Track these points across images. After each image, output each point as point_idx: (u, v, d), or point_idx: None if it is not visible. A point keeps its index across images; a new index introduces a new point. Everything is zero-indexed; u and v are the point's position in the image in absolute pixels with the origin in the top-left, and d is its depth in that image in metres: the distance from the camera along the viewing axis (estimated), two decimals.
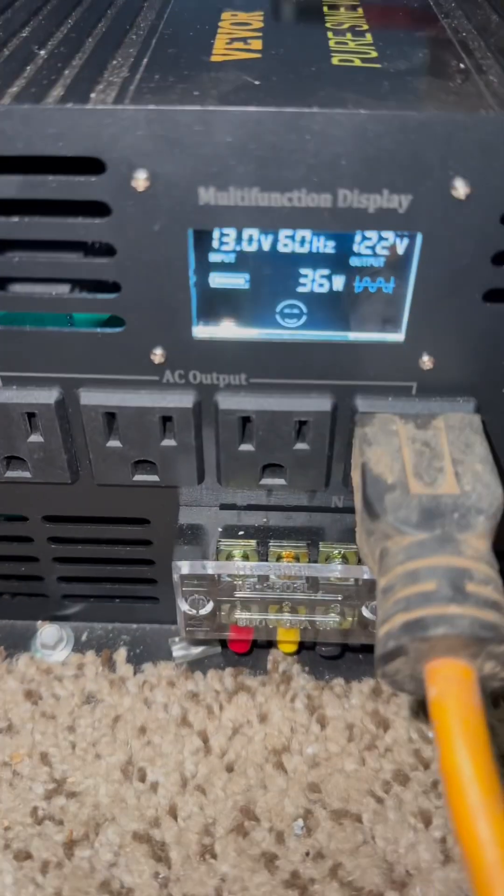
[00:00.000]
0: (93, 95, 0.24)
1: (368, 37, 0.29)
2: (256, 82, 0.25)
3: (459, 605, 0.22)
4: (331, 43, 0.29)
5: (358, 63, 0.27)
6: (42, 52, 0.28)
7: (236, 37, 0.29)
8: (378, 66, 0.26)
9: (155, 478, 0.32)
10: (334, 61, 0.27)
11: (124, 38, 0.29)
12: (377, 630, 0.24)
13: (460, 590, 0.23)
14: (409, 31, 0.30)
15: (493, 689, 0.24)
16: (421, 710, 0.36)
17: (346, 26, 0.30)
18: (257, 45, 0.28)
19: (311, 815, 0.33)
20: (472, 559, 0.24)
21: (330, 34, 0.29)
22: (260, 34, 0.29)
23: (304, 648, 0.39)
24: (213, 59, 0.27)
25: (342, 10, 0.32)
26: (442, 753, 0.22)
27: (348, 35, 0.29)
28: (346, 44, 0.28)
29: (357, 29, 0.30)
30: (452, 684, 0.22)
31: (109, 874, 0.31)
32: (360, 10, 0.32)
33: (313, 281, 0.27)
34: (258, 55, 0.27)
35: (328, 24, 0.30)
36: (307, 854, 0.32)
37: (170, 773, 0.34)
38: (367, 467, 0.26)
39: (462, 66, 0.27)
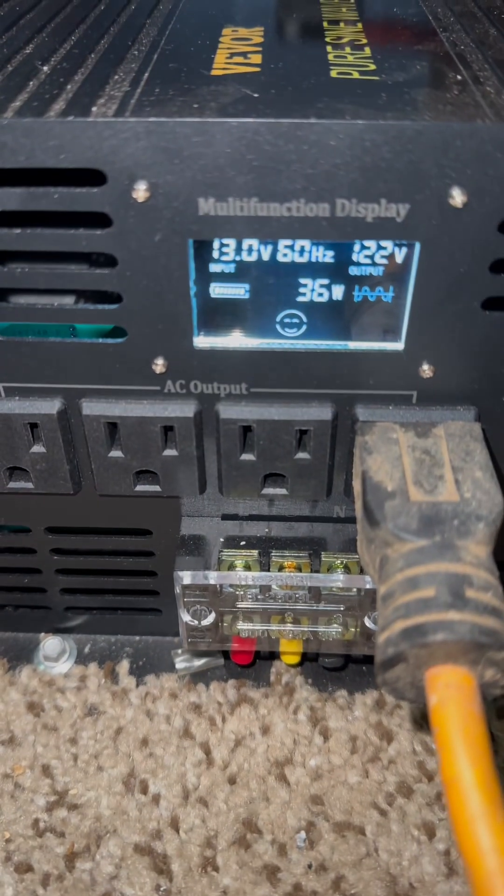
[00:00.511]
0: (94, 109, 0.24)
1: (367, 50, 0.30)
2: (255, 95, 0.25)
3: (459, 612, 0.22)
4: (330, 57, 0.29)
5: (356, 76, 0.27)
6: (45, 68, 0.28)
7: (236, 51, 0.29)
8: (376, 78, 0.27)
9: (157, 488, 0.32)
10: (333, 74, 0.27)
11: (126, 53, 0.29)
12: (377, 637, 0.24)
13: (460, 596, 0.23)
14: (407, 44, 0.30)
15: (494, 696, 0.24)
16: (424, 721, 0.36)
17: (345, 40, 0.31)
18: (257, 59, 0.29)
19: (313, 828, 0.33)
20: (471, 566, 0.23)
21: (329, 48, 0.30)
22: (260, 49, 0.30)
23: (307, 660, 0.39)
24: (214, 72, 0.27)
25: (342, 24, 0.32)
26: (442, 761, 0.22)
27: (347, 49, 0.30)
28: (345, 57, 0.29)
29: (356, 43, 0.30)
30: (453, 691, 0.22)
31: (111, 887, 0.31)
32: (359, 24, 0.32)
33: (313, 290, 0.27)
34: (258, 69, 0.28)
35: (328, 39, 0.31)
36: (309, 866, 0.32)
37: (172, 785, 0.34)
38: (367, 475, 0.27)
39: (459, 77, 0.27)
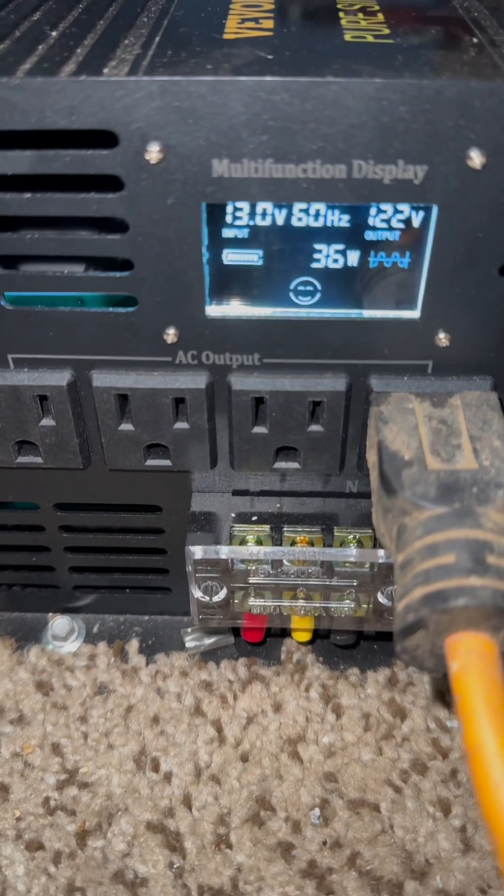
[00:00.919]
0: (106, 70, 0.24)
1: (380, 16, 0.29)
2: (270, 56, 0.25)
3: (480, 577, 0.22)
4: (343, 22, 0.28)
5: (371, 39, 0.27)
6: (53, 33, 0.28)
7: (248, 17, 0.29)
8: (391, 41, 0.26)
9: (167, 462, 0.31)
10: (347, 38, 0.27)
11: (135, 20, 0.29)
12: (395, 605, 0.23)
13: (481, 562, 0.22)
14: (421, 10, 0.30)
15: None
16: (438, 698, 0.35)
17: (357, 7, 0.30)
18: (269, 24, 0.28)
19: (327, 805, 0.32)
20: (492, 532, 0.23)
21: (341, 14, 0.29)
22: (271, 14, 0.29)
23: (319, 637, 0.39)
24: (226, 37, 0.27)
25: None
26: (465, 728, 0.21)
27: (360, 15, 0.29)
28: (358, 22, 0.28)
29: (369, 9, 0.30)
30: (474, 658, 0.22)
31: (123, 864, 0.31)
32: None
33: (327, 256, 0.27)
34: (270, 33, 0.27)
35: (339, 5, 0.30)
36: (324, 843, 0.31)
37: (184, 763, 0.34)
38: (383, 445, 0.26)
39: (475, 40, 0.26)
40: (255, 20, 0.29)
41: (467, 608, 0.22)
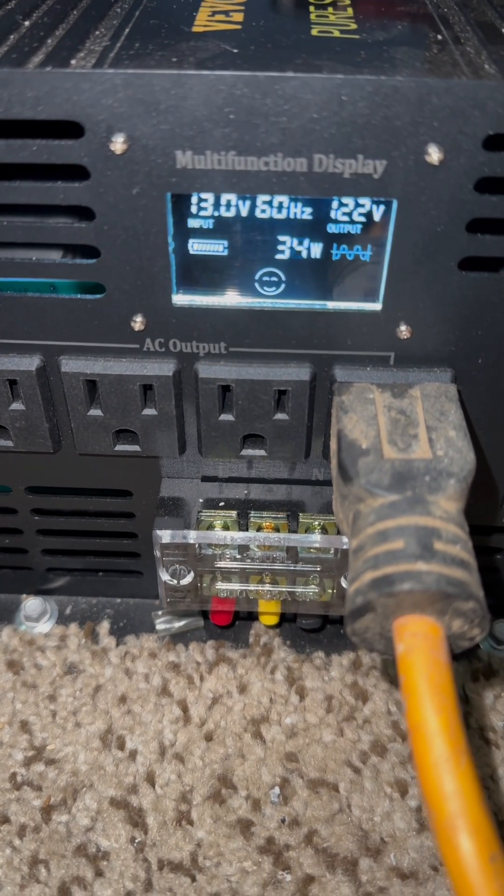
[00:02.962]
0: (73, 62, 0.24)
1: (350, 10, 0.30)
2: (235, 50, 0.25)
3: (426, 563, 0.23)
4: (312, 16, 0.29)
5: (337, 34, 0.27)
6: (26, 23, 0.28)
7: (219, 9, 0.29)
8: (357, 37, 0.27)
9: (136, 448, 0.32)
10: (314, 32, 0.27)
11: (108, 10, 0.29)
12: (347, 588, 0.24)
13: (428, 548, 0.23)
14: (391, 5, 0.30)
15: (463, 648, 0.24)
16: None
17: (328, 0, 0.31)
18: (239, 17, 0.28)
19: (287, 784, 0.33)
20: (441, 520, 0.24)
21: (312, 7, 0.30)
22: (242, 7, 0.30)
23: (286, 621, 0.39)
24: (195, 29, 0.27)
25: None
26: (408, 707, 0.22)
27: (330, 9, 0.30)
28: (327, 17, 0.29)
29: (339, 3, 0.30)
30: (419, 640, 0.22)
31: (86, 838, 0.32)
32: None
33: (291, 248, 0.27)
34: (238, 27, 0.27)
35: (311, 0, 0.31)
36: (283, 821, 0.32)
37: (149, 741, 0.34)
38: (342, 433, 0.27)
39: (440, 37, 0.27)
40: (226, 13, 0.29)
41: (413, 592, 0.22)
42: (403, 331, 0.28)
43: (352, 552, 0.25)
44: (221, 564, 0.33)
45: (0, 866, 0.31)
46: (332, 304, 0.28)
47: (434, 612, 0.23)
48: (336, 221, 0.26)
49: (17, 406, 0.31)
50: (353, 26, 0.28)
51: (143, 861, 0.31)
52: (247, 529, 0.33)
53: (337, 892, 0.30)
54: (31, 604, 0.39)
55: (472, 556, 0.24)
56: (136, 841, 0.32)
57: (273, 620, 0.37)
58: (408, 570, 0.22)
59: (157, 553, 0.32)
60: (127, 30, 0.27)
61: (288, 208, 0.26)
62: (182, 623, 0.39)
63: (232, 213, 0.26)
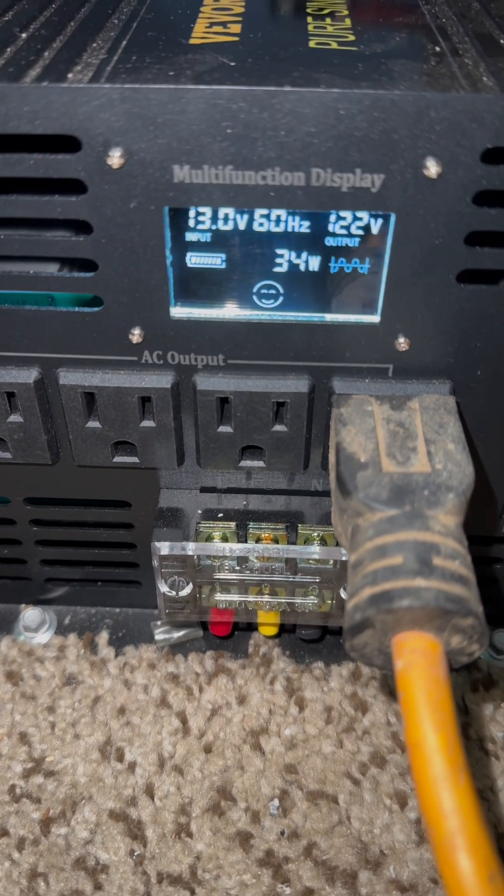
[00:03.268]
0: (70, 76, 0.24)
1: (347, 21, 0.29)
2: (232, 63, 0.25)
3: (425, 579, 0.22)
4: (310, 27, 0.29)
5: (335, 46, 0.27)
6: (23, 35, 0.28)
7: (216, 21, 0.29)
8: (354, 49, 0.27)
9: (135, 459, 0.32)
10: (311, 44, 0.27)
11: (106, 22, 0.29)
12: (346, 604, 0.24)
13: (427, 563, 0.23)
14: (389, 16, 0.30)
15: (462, 664, 0.24)
16: None
17: (326, 11, 0.30)
18: (236, 28, 0.28)
19: (287, 796, 0.33)
20: (440, 535, 0.24)
21: (309, 19, 0.30)
22: (240, 19, 0.29)
23: (285, 632, 0.39)
24: (192, 41, 0.27)
25: None
26: (407, 724, 0.22)
27: (328, 20, 0.30)
28: (325, 28, 0.29)
29: (337, 14, 0.30)
30: (418, 656, 0.22)
31: (85, 851, 0.32)
32: None
33: (289, 261, 0.27)
34: (236, 38, 0.27)
35: (309, 10, 0.31)
36: (282, 833, 0.32)
37: (148, 753, 0.34)
38: (341, 446, 0.27)
39: (438, 49, 0.27)
40: (224, 24, 0.29)
41: (412, 609, 0.22)
42: (402, 343, 0.28)
43: (350, 567, 0.25)
44: (220, 576, 0.33)
45: None
46: (330, 317, 0.28)
47: (433, 629, 0.23)
48: (334, 235, 0.26)
49: (15, 418, 0.31)
50: (351, 38, 0.28)
51: (143, 874, 0.31)
52: (246, 540, 0.33)
53: None
54: (30, 614, 0.39)
55: (471, 572, 0.24)
56: (136, 854, 0.31)
57: (272, 631, 0.37)
58: (406, 587, 0.22)
59: (156, 564, 0.32)
60: (124, 42, 0.27)
61: (286, 222, 0.26)
62: (181, 633, 0.39)
63: (230, 226, 0.26)
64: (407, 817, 0.32)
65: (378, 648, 0.24)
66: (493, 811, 0.33)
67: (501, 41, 0.28)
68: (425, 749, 0.21)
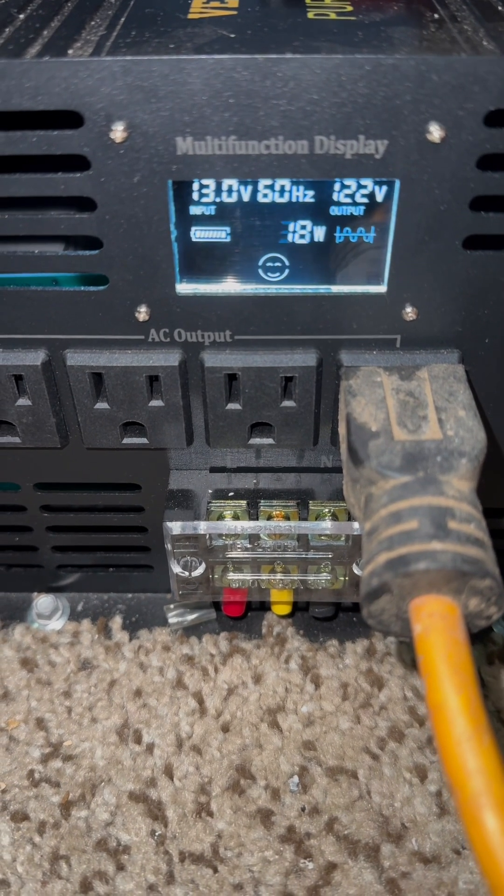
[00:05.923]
0: (70, 51, 0.24)
1: None
2: (232, 35, 0.25)
3: (441, 542, 0.22)
4: (307, 0, 0.29)
5: (333, 16, 0.27)
6: (21, 15, 0.28)
7: None
8: (353, 18, 0.27)
9: (144, 440, 0.32)
10: (310, 15, 0.27)
11: (103, 1, 0.29)
12: (362, 571, 0.24)
13: (442, 527, 0.23)
14: None
15: (480, 627, 0.24)
16: (414, 668, 0.36)
17: None
18: (234, 3, 0.28)
19: (306, 773, 0.33)
20: (454, 499, 0.24)
21: None
22: None
23: (298, 610, 0.39)
24: (190, 16, 0.27)
25: None
26: (428, 687, 0.22)
27: None
28: (322, 0, 0.29)
29: None
30: (437, 619, 0.22)
31: (106, 833, 0.32)
32: None
33: (294, 232, 0.27)
34: (234, 12, 0.27)
35: None
36: (303, 810, 0.32)
37: (165, 734, 0.34)
38: (351, 417, 0.27)
39: (436, 16, 0.27)
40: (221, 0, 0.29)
41: (429, 571, 0.22)
42: (409, 312, 0.28)
43: (365, 535, 0.25)
44: (232, 554, 0.33)
45: (21, 863, 0.31)
46: (336, 288, 0.28)
47: (450, 592, 0.23)
48: (339, 203, 0.26)
49: (23, 401, 0.30)
50: (349, 8, 0.28)
51: (165, 854, 0.31)
52: (257, 519, 0.33)
53: (360, 879, 0.30)
54: (43, 601, 0.39)
55: (487, 535, 0.24)
56: (157, 834, 0.31)
57: (285, 610, 0.37)
58: (423, 550, 0.22)
59: (168, 545, 0.32)
60: (122, 19, 0.27)
61: (290, 192, 0.26)
62: (194, 615, 0.39)
63: (234, 198, 0.26)
64: (427, 790, 0.32)
65: (396, 614, 0.24)
66: None
67: (499, 7, 0.28)
68: (447, 711, 0.21)
